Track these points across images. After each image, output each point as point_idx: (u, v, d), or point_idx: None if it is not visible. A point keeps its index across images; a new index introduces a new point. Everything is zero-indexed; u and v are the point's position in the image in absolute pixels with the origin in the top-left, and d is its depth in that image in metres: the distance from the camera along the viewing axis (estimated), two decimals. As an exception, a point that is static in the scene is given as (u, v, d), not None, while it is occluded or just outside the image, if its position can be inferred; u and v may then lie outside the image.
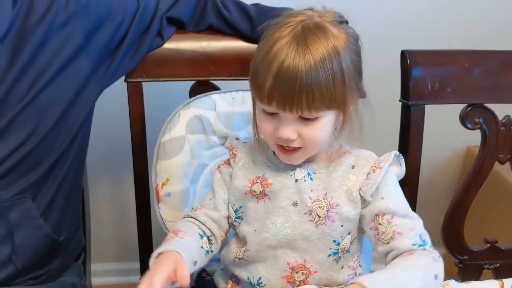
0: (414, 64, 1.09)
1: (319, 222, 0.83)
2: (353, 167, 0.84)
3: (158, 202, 1.02)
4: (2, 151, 0.91)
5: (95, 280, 1.33)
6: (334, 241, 0.84)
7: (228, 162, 0.92)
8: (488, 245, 1.21)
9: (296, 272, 0.84)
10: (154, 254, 0.79)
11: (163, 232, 1.06)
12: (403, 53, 1.10)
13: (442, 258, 0.78)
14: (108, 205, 1.60)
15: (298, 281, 0.84)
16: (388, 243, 0.79)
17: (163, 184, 1.02)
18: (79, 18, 0.97)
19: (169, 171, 1.02)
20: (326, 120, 0.79)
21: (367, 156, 0.85)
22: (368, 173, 0.82)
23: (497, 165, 1.19)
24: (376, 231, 0.81)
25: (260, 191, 0.86)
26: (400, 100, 1.13)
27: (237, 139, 0.95)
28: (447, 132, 1.55)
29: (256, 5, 1.12)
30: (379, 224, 0.80)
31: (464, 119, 1.14)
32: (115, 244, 1.65)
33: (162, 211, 1.02)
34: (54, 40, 0.95)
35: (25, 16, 0.93)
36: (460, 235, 1.21)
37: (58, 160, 0.99)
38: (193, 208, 0.93)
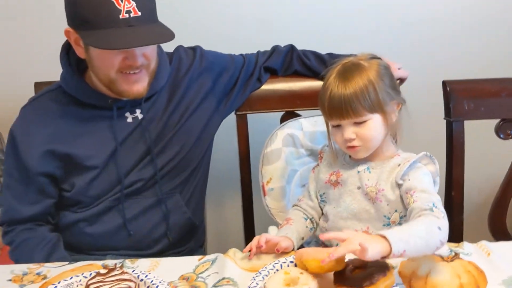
0: (452, 91, 1.44)
1: (372, 201, 1.15)
2: (398, 165, 1.14)
3: (264, 195, 1.41)
4: (166, 158, 1.34)
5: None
6: (385, 216, 1.14)
7: (317, 164, 1.29)
8: (529, 234, 1.48)
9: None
10: None
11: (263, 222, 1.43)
12: (444, 83, 1.45)
13: (447, 218, 1.01)
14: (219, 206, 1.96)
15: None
16: (408, 207, 1.08)
17: (267, 182, 1.41)
18: (208, 71, 1.42)
19: (271, 173, 1.41)
20: (374, 122, 1.12)
21: (408, 157, 1.15)
22: (402, 166, 1.13)
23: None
24: (404, 204, 1.11)
25: (335, 180, 1.22)
26: (444, 118, 1.46)
27: (327, 146, 1.29)
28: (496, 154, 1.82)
29: (330, 54, 1.52)
30: (406, 198, 1.09)
31: (498, 132, 1.45)
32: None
33: (267, 201, 1.40)
34: (194, 87, 1.40)
35: (176, 71, 1.38)
36: (504, 226, 1.48)
37: (196, 168, 1.41)
38: (298, 199, 1.29)
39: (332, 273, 0.95)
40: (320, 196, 1.26)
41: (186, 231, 1.39)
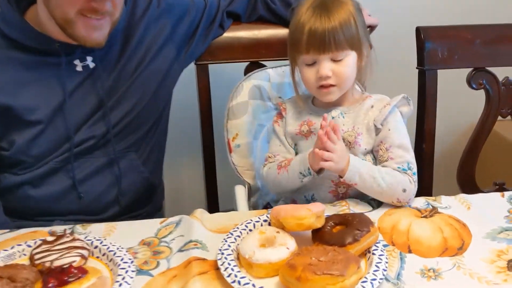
0: (427, 37, 1.37)
1: (350, 146, 1.09)
2: (372, 106, 1.12)
3: (230, 152, 1.31)
4: (119, 114, 1.20)
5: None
6: (363, 160, 1.09)
7: (280, 116, 1.19)
8: (497, 187, 1.46)
9: (339, 187, 1.11)
10: None
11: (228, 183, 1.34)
12: (418, 29, 1.38)
13: (417, 184, 1.04)
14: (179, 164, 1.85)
15: (341, 193, 1.11)
16: (382, 162, 1.07)
17: (234, 138, 1.31)
18: (167, 14, 1.28)
19: (238, 128, 1.31)
20: (351, 60, 1.07)
21: (383, 98, 1.13)
22: (381, 109, 1.10)
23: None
24: (377, 153, 1.09)
25: (307, 130, 1.14)
26: (417, 67, 1.40)
27: (280, 97, 1.24)
28: (466, 106, 1.80)
29: None
30: (380, 149, 1.08)
31: (470, 81, 1.40)
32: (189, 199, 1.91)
33: (234, 158, 1.30)
34: (151, 32, 1.25)
35: (131, 14, 1.23)
36: (472, 179, 1.46)
37: (154, 123, 1.28)
38: (269, 157, 1.17)
39: (311, 231, 0.88)
40: (294, 149, 1.17)
41: (143, 192, 1.28)
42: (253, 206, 1.32)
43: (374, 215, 0.99)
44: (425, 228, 0.95)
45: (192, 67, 1.42)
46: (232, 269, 0.80)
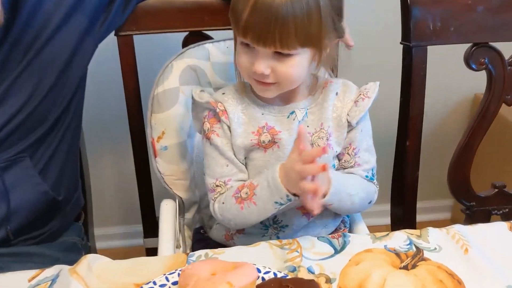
0: (414, 3, 1.05)
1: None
2: (336, 93, 0.86)
3: (155, 156, 0.99)
4: (6, 113, 0.88)
5: (100, 244, 1.32)
6: (334, 166, 0.87)
7: (215, 121, 0.86)
8: (496, 190, 1.19)
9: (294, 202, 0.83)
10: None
11: (164, 192, 1.04)
12: (404, -6, 1.05)
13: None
14: (109, 168, 1.57)
15: None
16: (346, 168, 0.87)
17: (159, 137, 0.99)
18: None
19: (165, 124, 0.99)
20: (301, 58, 0.78)
21: (346, 83, 0.88)
22: (357, 101, 0.85)
23: (503, 109, 1.15)
24: (342, 156, 0.88)
25: (269, 140, 0.84)
26: (401, 43, 1.08)
27: (202, 91, 0.89)
28: (453, 79, 1.52)
29: None
30: (347, 153, 0.87)
31: (468, 60, 1.10)
32: (119, 207, 1.63)
33: (160, 165, 0.99)
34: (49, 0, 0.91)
35: None
36: (467, 181, 1.18)
37: (58, 119, 0.96)
38: (217, 186, 0.85)
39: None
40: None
41: (42, 210, 0.97)
42: (187, 225, 1.03)
43: (336, 265, 0.71)
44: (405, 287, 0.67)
45: (113, 40, 1.08)
46: None
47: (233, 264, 0.61)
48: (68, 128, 1.01)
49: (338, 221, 0.91)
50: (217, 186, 0.84)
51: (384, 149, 1.04)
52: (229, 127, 0.85)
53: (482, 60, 1.10)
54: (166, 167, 0.99)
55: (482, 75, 1.12)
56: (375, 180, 0.89)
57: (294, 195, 0.76)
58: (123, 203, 1.61)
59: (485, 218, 1.20)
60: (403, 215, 1.18)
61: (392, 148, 1.16)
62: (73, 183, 1.07)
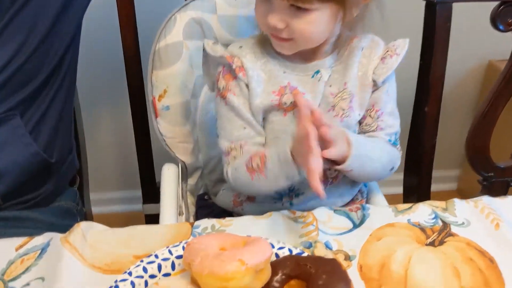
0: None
1: (344, 115, 0.77)
2: (362, 49, 0.78)
3: (156, 116, 0.92)
4: None
5: (96, 209, 1.25)
6: (355, 131, 0.79)
7: (231, 77, 0.78)
8: (516, 160, 1.12)
9: (329, 170, 0.77)
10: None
11: (165, 157, 0.97)
12: None
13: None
14: (106, 130, 1.49)
15: (331, 177, 0.80)
16: (367, 132, 0.79)
17: (160, 96, 0.91)
18: None
19: (167, 82, 0.91)
20: (320, 15, 0.69)
21: (374, 39, 0.80)
22: (384, 57, 0.77)
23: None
24: (363, 120, 0.80)
25: (291, 102, 0.76)
26: (424, -1, 0.99)
27: (215, 43, 0.80)
28: (469, 43, 1.43)
29: None
30: (369, 116, 0.79)
31: (495, 20, 1.00)
32: (116, 171, 1.56)
33: (161, 126, 0.91)
34: None
35: None
36: (486, 150, 1.11)
37: (49, 76, 0.88)
38: (232, 149, 0.76)
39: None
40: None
41: (33, 172, 0.90)
42: (190, 192, 0.96)
43: (355, 241, 0.64)
44: (432, 268, 0.61)
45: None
46: None
47: (244, 239, 0.55)
48: (61, 87, 0.93)
49: (355, 191, 0.84)
50: (232, 149, 0.76)
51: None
52: (247, 86, 0.76)
53: (510, 21, 1.01)
54: (168, 129, 0.91)
55: (498, 40, 1.03)
56: (398, 145, 0.81)
57: None
58: (121, 167, 1.54)
59: (503, 189, 1.14)
60: (417, 185, 1.12)
61: (406, 114, 1.08)
62: (67, 145, 1.00)
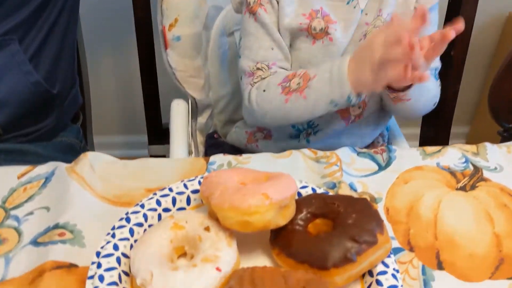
0: None
1: None
2: None
3: (166, 47, 0.86)
4: None
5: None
6: None
7: None
8: (539, 112, 1.07)
9: (353, 105, 0.72)
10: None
11: (171, 96, 0.91)
12: None
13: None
14: (109, 66, 1.42)
15: (354, 115, 0.75)
16: None
17: (171, 25, 0.84)
18: None
19: (178, 10, 0.84)
20: None
21: None
22: None
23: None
24: None
25: (321, 29, 0.69)
26: None
27: None
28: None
29: None
30: None
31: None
32: (120, 114, 1.50)
33: (171, 58, 0.86)
34: None
35: None
36: (509, 101, 1.06)
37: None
38: (258, 69, 0.71)
39: (270, 230, 0.49)
40: None
41: (35, 103, 0.85)
42: (199, 130, 0.92)
43: (381, 183, 0.60)
44: (464, 213, 0.57)
45: None
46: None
47: (267, 174, 0.50)
48: (63, 10, 0.86)
49: (377, 133, 0.80)
50: (258, 69, 0.70)
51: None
52: (277, 2, 0.70)
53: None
54: (178, 61, 0.86)
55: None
56: (439, 81, 0.77)
57: (358, 95, 0.64)
58: (125, 110, 1.47)
59: (523, 142, 1.10)
60: (435, 137, 1.08)
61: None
62: (70, 78, 0.94)
